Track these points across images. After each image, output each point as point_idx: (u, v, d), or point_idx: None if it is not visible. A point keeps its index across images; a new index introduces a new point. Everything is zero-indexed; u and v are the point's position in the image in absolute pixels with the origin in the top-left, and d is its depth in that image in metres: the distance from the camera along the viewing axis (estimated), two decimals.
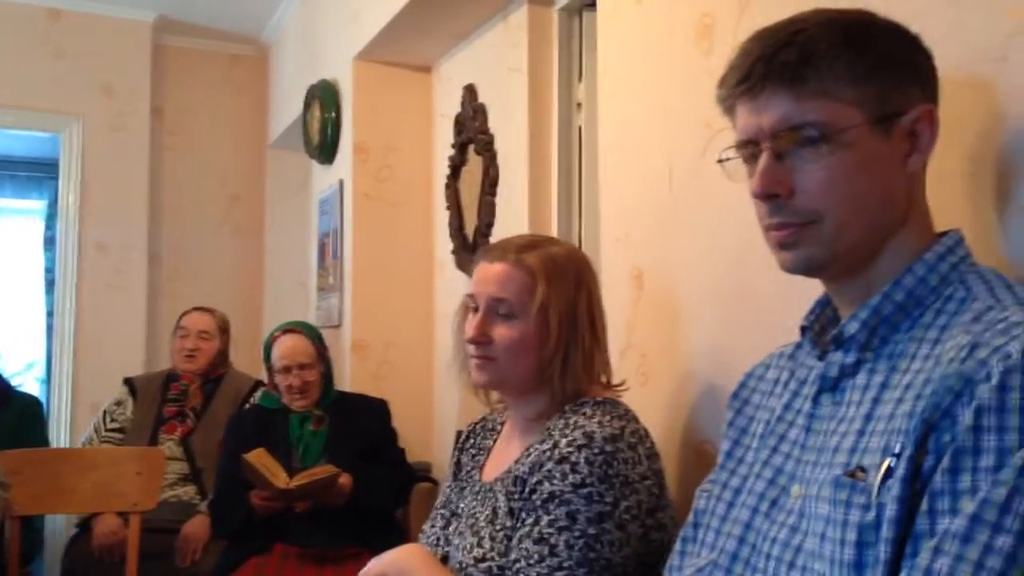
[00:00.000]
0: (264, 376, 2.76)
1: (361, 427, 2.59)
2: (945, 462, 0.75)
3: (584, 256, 1.46)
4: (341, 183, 3.36)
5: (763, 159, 0.89)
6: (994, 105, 0.98)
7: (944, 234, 0.92)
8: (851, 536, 0.79)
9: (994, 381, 0.74)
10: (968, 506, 0.72)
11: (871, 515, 0.78)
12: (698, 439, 1.52)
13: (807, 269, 0.92)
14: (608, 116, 1.87)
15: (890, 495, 0.77)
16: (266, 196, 4.42)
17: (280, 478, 2.31)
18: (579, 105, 2.55)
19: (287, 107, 4.06)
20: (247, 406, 2.96)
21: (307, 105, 3.62)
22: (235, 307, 3.63)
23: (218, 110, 4.38)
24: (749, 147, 0.92)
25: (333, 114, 3.42)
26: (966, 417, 0.75)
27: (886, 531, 0.77)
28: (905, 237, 0.91)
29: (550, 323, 1.34)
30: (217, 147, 4.36)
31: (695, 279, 1.55)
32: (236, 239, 4.37)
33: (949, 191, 0.93)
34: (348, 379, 3.18)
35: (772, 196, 0.89)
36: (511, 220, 2.67)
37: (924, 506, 0.75)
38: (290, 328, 2.65)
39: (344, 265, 3.33)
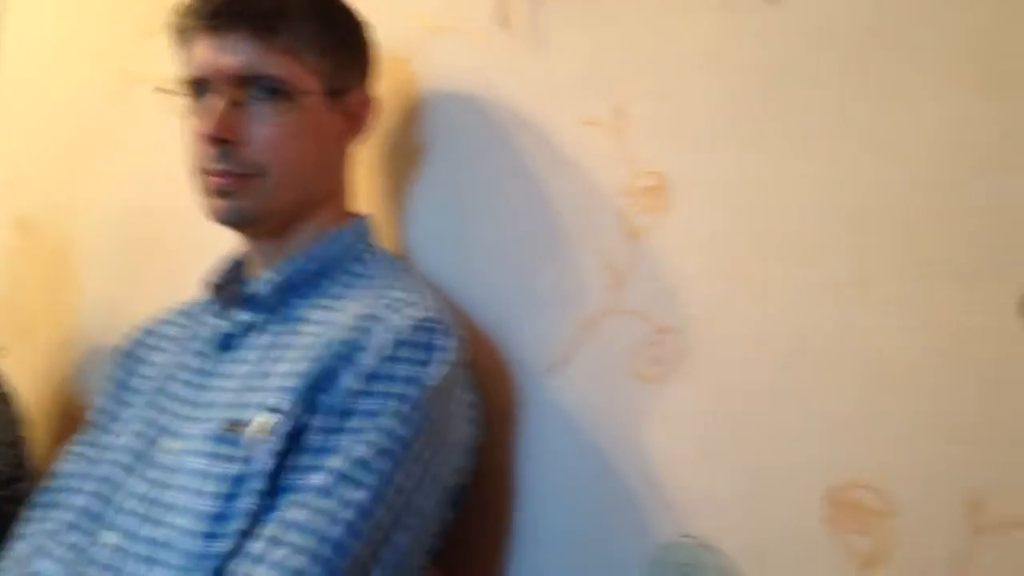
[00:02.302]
0: None
1: None
2: (323, 421, 0.78)
3: None
4: None
5: (218, 102, 0.86)
6: (398, 100, 1.08)
7: (356, 214, 0.98)
8: (220, 488, 0.78)
9: (378, 351, 0.80)
10: (336, 463, 0.76)
11: (243, 468, 0.78)
12: (83, 403, 1.41)
13: (239, 221, 0.90)
14: (7, 53, 1.66)
15: (264, 449, 0.78)
16: None
17: None
18: None
19: None
20: None
21: None
22: None
23: None
24: (201, 85, 0.89)
25: None
26: (350, 381, 0.79)
27: (255, 484, 0.77)
28: (327, 211, 0.95)
29: None
30: None
31: (93, 230, 1.44)
32: None
33: (358, 175, 1.01)
34: None
35: (223, 141, 0.86)
36: None
37: (295, 462, 0.78)
38: None
39: None
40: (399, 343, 0.80)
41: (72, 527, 0.88)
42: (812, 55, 0.77)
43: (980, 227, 0.67)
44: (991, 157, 0.68)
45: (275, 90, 0.87)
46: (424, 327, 0.82)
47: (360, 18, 0.97)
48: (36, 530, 0.92)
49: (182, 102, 0.91)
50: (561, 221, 0.93)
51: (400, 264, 0.96)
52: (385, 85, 1.02)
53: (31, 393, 1.24)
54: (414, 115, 1.07)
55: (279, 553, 0.73)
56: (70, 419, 1.41)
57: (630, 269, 0.87)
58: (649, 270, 0.86)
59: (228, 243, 0.98)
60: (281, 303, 0.91)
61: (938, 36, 0.70)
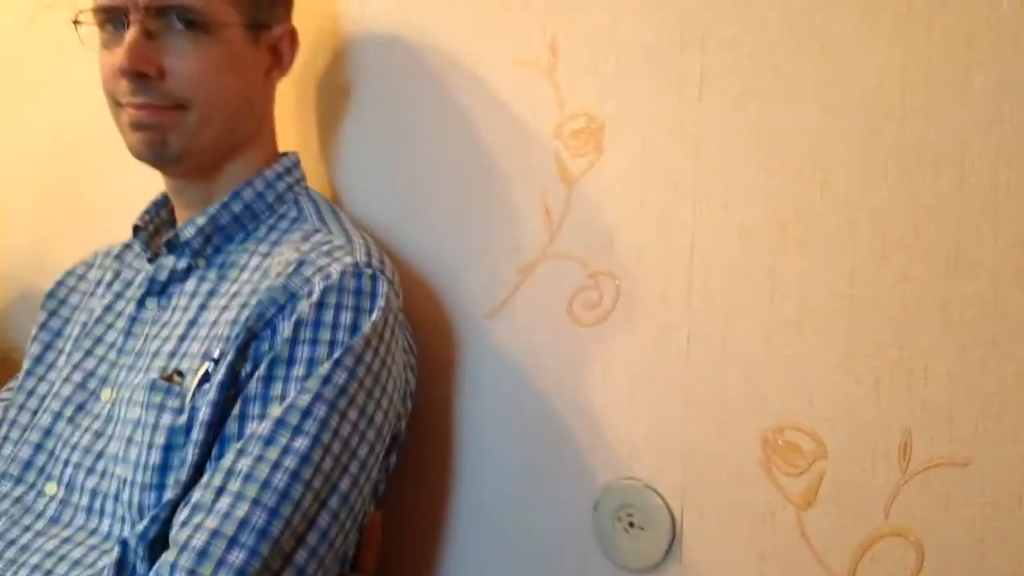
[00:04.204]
0: None
1: None
2: (261, 370, 0.77)
3: None
4: None
5: (132, 33, 0.82)
6: (322, 35, 1.04)
7: (285, 155, 0.96)
8: (160, 439, 0.78)
9: (314, 298, 0.79)
10: (276, 411, 0.75)
11: (183, 418, 0.78)
12: (6, 347, 1.37)
13: (160, 157, 0.87)
14: None
15: (205, 399, 0.78)
16: None
17: None
18: None
19: None
20: None
21: None
22: None
23: None
24: (113, 14, 0.84)
25: None
26: (285, 329, 0.78)
27: (196, 434, 0.77)
28: (253, 150, 0.92)
29: None
30: None
31: (15, 172, 1.38)
32: None
33: (283, 113, 0.97)
34: None
35: (139, 75, 0.83)
36: None
37: (236, 411, 0.77)
38: None
39: None
40: (331, 289, 0.80)
41: (10, 478, 0.87)
42: None
43: (913, 183, 0.68)
44: (918, 105, 0.68)
45: (192, 21, 0.84)
46: (356, 273, 0.81)
47: None
48: None
49: (95, 33, 0.87)
50: (497, 163, 0.91)
51: (331, 207, 0.94)
52: (309, 21, 0.98)
53: None
54: (341, 53, 1.03)
55: (224, 502, 0.73)
56: (1, 363, 1.38)
57: (565, 213, 0.87)
58: (584, 214, 0.86)
59: (153, 182, 0.95)
60: (210, 248, 0.89)
61: None
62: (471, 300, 0.93)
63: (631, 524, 0.82)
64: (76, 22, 0.88)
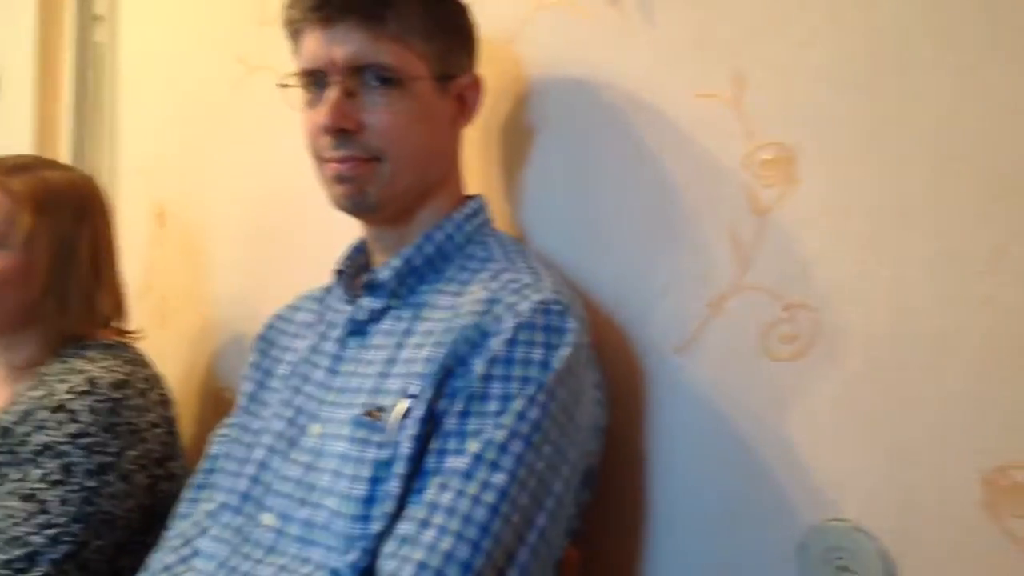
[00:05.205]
0: None
1: None
2: (457, 406, 0.80)
3: (93, 185, 1.31)
4: None
5: (333, 92, 0.88)
6: (505, 80, 1.08)
7: (471, 197, 0.99)
8: (365, 472, 0.81)
9: (506, 335, 0.81)
10: (473, 447, 0.78)
11: (386, 452, 0.81)
12: (218, 386, 1.47)
13: (360, 207, 0.92)
14: (132, 37, 1.72)
15: (405, 434, 0.81)
16: None
17: None
18: (99, 19, 2.30)
19: None
20: None
21: None
22: None
23: None
24: (315, 76, 0.91)
25: None
26: (479, 366, 0.80)
27: (398, 468, 0.80)
28: (442, 195, 0.96)
29: (37, 256, 1.20)
30: None
31: (222, 219, 1.49)
32: None
33: (468, 157, 1.01)
34: None
35: (340, 130, 0.88)
36: (9, 139, 2.33)
37: (435, 445, 0.80)
38: None
39: None
40: (522, 326, 0.81)
41: (230, 508, 0.93)
42: (939, 13, 0.72)
43: None
44: None
45: (386, 78, 0.88)
46: (546, 309, 0.83)
47: (462, 2, 0.97)
48: (196, 510, 0.99)
49: (298, 94, 0.93)
50: (682, 197, 0.91)
51: (517, 245, 0.96)
52: (489, 67, 1.01)
53: (172, 376, 1.30)
54: (522, 97, 1.06)
55: (429, 535, 0.75)
56: (209, 401, 1.48)
57: (757, 244, 0.85)
58: (777, 245, 0.83)
59: (350, 230, 1.00)
60: (405, 289, 0.93)
61: None
62: (659, 335, 0.92)
63: (844, 568, 0.78)
64: (283, 85, 0.95)
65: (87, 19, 2.28)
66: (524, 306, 0.82)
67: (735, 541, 0.86)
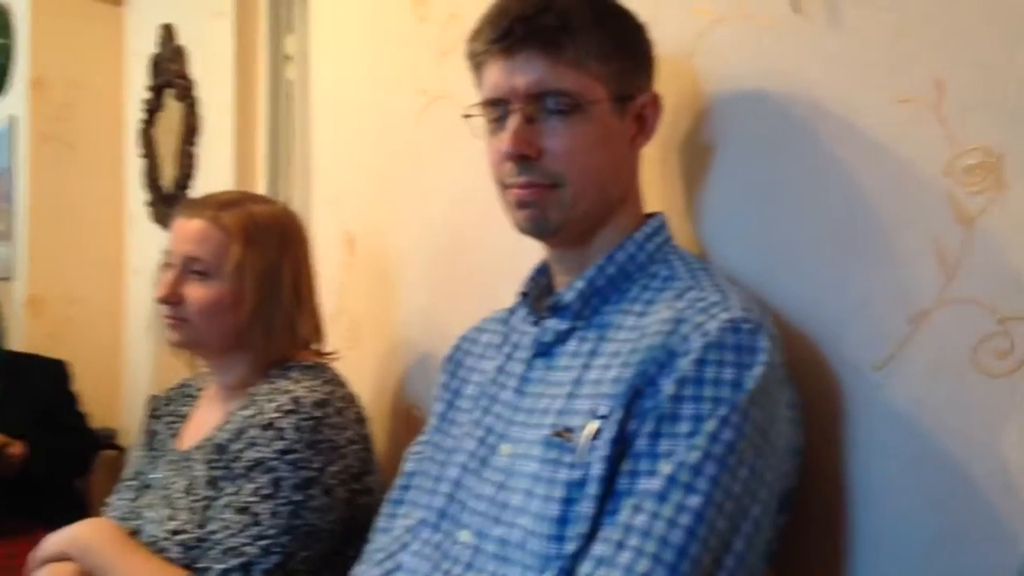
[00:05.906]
0: None
1: (35, 390, 2.37)
2: (648, 427, 0.80)
3: (292, 216, 1.40)
4: (12, 119, 2.99)
5: (515, 120, 0.91)
6: (683, 96, 1.07)
7: (651, 215, 0.99)
8: (558, 493, 0.82)
9: (694, 355, 0.80)
10: (666, 468, 0.77)
11: (578, 473, 0.82)
12: (407, 404, 1.53)
13: (542, 231, 0.94)
14: (321, 74, 1.82)
15: (596, 455, 0.81)
16: None
17: None
18: (290, 58, 2.45)
19: None
20: None
21: None
22: None
23: None
24: (498, 106, 0.93)
25: (3, 41, 3.03)
26: (668, 387, 0.80)
27: (591, 488, 0.80)
28: (622, 215, 0.96)
29: (246, 285, 1.28)
30: None
31: (408, 244, 1.55)
32: None
33: (646, 175, 1.01)
34: (21, 337, 2.84)
35: (522, 157, 0.91)
36: (214, 174, 2.52)
37: (626, 467, 0.80)
38: None
39: (16, 210, 2.97)
40: (711, 346, 0.80)
41: (429, 525, 0.96)
42: None
43: None
44: None
45: (566, 103, 0.90)
46: (735, 328, 0.81)
47: (638, 20, 0.97)
48: (396, 525, 1.03)
49: (481, 123, 0.96)
50: (876, 207, 0.87)
51: (702, 263, 0.95)
52: (668, 84, 1.01)
53: (364, 395, 1.36)
54: (702, 112, 1.05)
55: (625, 556, 0.76)
56: (400, 418, 1.54)
57: (963, 255, 0.80)
58: (987, 255, 0.79)
59: (532, 251, 1.02)
60: (589, 310, 0.93)
61: None
62: (856, 352, 0.89)
63: None
64: (467, 115, 0.98)
65: (279, 59, 2.44)
66: (712, 325, 0.81)
67: (946, 569, 0.81)
